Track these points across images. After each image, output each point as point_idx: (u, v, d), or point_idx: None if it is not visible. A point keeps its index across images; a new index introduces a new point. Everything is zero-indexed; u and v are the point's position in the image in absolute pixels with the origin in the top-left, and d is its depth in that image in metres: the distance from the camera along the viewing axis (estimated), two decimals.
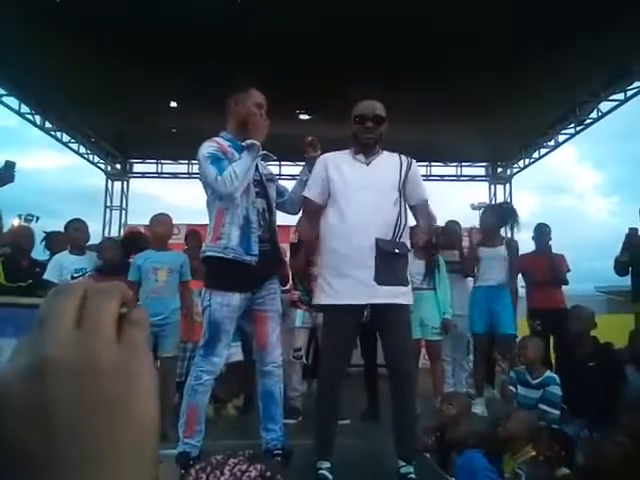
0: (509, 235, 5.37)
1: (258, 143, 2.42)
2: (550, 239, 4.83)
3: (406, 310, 2.48)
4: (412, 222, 2.59)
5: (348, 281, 2.36)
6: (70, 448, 0.27)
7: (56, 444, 0.27)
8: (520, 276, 4.78)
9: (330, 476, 2.37)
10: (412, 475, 2.35)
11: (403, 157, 2.56)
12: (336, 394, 2.46)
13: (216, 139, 2.56)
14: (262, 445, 2.58)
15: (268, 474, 0.87)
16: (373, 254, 2.35)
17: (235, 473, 0.84)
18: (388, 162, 2.53)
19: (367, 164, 2.51)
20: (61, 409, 0.27)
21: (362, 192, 2.41)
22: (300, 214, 2.69)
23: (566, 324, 3.48)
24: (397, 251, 2.40)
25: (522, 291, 4.97)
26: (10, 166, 3.04)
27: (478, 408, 4.12)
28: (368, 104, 2.52)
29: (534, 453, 2.46)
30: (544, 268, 4.63)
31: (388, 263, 2.37)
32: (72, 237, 3.74)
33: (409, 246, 2.53)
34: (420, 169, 3.03)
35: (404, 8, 4.59)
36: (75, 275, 3.60)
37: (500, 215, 4.59)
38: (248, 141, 2.43)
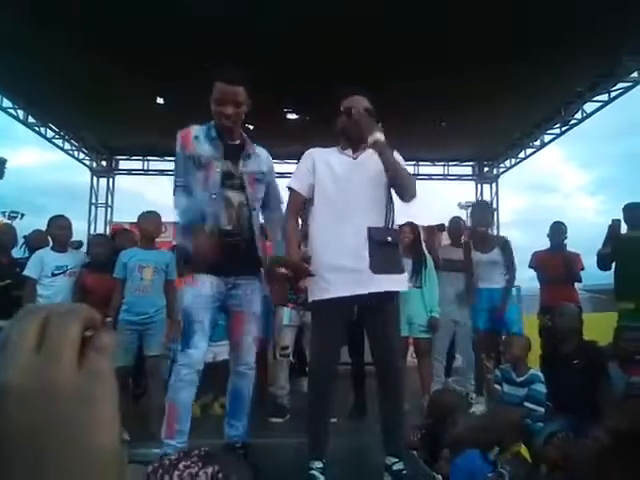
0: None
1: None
2: (565, 237, 4.87)
3: (396, 301, 2.46)
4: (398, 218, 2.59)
5: (344, 273, 2.33)
6: (30, 476, 0.26)
7: (15, 471, 0.26)
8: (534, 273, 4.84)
9: (322, 477, 2.34)
10: (404, 471, 2.36)
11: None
12: (328, 392, 2.43)
13: (189, 128, 2.52)
14: (225, 439, 2.59)
15: (220, 475, 0.85)
16: (366, 244, 2.34)
17: (184, 478, 0.82)
18: (374, 154, 2.48)
19: (354, 158, 2.51)
20: (19, 435, 0.27)
21: (351, 185, 2.41)
22: (286, 207, 2.62)
23: (552, 322, 3.52)
24: (389, 239, 2.40)
25: (536, 288, 5.02)
26: (1, 162, 2.98)
27: (479, 407, 4.14)
28: (356, 99, 2.51)
29: (517, 449, 2.47)
30: (558, 266, 4.67)
31: (382, 252, 2.36)
32: (54, 234, 3.68)
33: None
34: (408, 168, 3.05)
35: (388, 8, 4.61)
36: (56, 272, 3.54)
37: (490, 213, 4.63)
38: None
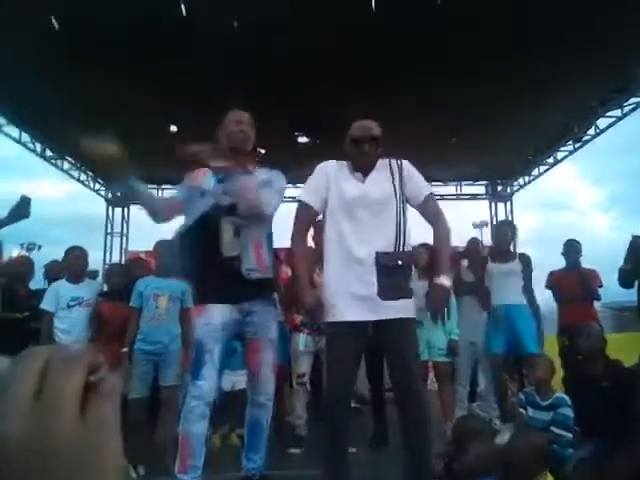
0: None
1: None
2: (581, 255, 4.78)
3: (411, 324, 2.35)
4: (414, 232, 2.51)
5: (350, 298, 2.27)
6: None
7: None
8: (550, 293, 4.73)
9: None
10: None
11: (393, 162, 2.48)
12: (343, 420, 2.30)
13: (200, 169, 2.57)
14: (243, 472, 2.53)
15: None
16: (374, 269, 2.28)
17: None
18: (382, 173, 2.45)
19: (363, 181, 2.44)
20: None
21: (359, 210, 2.35)
22: (295, 220, 2.47)
23: (576, 343, 3.41)
24: (400, 262, 2.32)
25: (554, 307, 4.90)
26: (26, 202, 3.02)
27: (506, 434, 3.98)
28: (363, 125, 2.45)
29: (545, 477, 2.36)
30: (575, 284, 4.57)
31: (390, 277, 2.29)
32: (70, 265, 3.70)
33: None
34: None
35: (396, 21, 4.65)
36: (71, 303, 3.54)
37: (513, 229, 4.55)
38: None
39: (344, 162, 2.52)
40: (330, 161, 2.52)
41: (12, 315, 3.48)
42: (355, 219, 2.34)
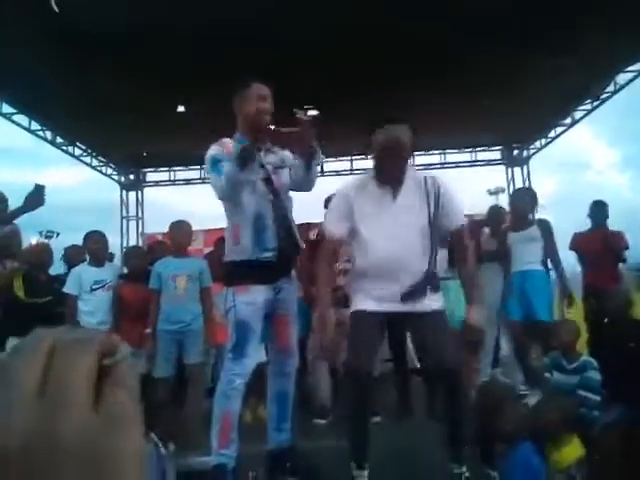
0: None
1: (248, 148, 2.29)
2: (607, 216, 4.66)
3: (442, 314, 2.43)
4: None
5: (385, 290, 2.32)
6: None
7: None
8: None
9: None
10: (467, 474, 2.29)
11: (429, 179, 2.37)
12: (366, 388, 2.35)
13: (224, 140, 2.51)
14: (272, 444, 2.58)
15: None
16: (411, 288, 2.32)
17: None
18: (414, 191, 2.35)
19: (394, 197, 2.34)
20: None
21: (391, 235, 2.29)
22: (321, 250, 2.52)
23: (601, 305, 3.36)
24: (429, 287, 2.36)
25: (574, 271, 4.83)
26: (40, 190, 3.02)
27: (533, 399, 3.97)
28: (393, 133, 2.27)
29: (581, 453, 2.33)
30: (600, 246, 4.48)
31: (414, 295, 2.34)
32: (90, 249, 3.73)
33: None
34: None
35: None
36: (94, 287, 3.58)
37: (532, 197, 4.44)
38: (234, 150, 2.33)
39: (367, 176, 2.44)
40: (352, 182, 2.49)
41: (34, 300, 3.53)
42: (385, 246, 2.29)
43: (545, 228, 4.24)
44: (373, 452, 2.38)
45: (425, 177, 2.38)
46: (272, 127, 2.32)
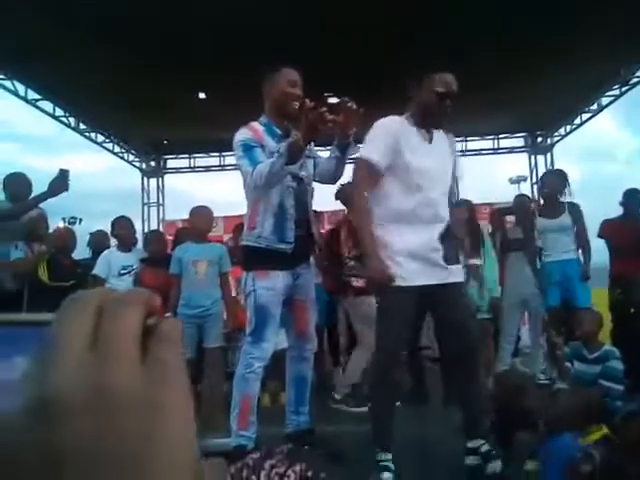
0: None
1: (297, 143, 2.23)
2: None
3: (464, 286, 2.58)
4: None
5: (419, 263, 2.34)
6: None
7: None
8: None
9: (392, 467, 2.29)
10: (493, 451, 2.31)
11: (453, 139, 2.61)
12: (395, 377, 2.40)
13: (252, 124, 2.52)
14: (291, 428, 2.62)
15: (309, 474, 0.79)
16: (440, 237, 2.37)
17: (272, 478, 0.77)
18: (444, 143, 2.52)
19: (429, 141, 2.45)
20: (73, 459, 0.21)
21: (426, 174, 2.37)
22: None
23: (628, 295, 3.30)
24: (453, 232, 2.51)
25: (600, 260, 4.73)
26: (64, 175, 3.06)
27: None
28: (451, 80, 2.40)
29: (606, 431, 2.31)
30: (631, 235, 4.39)
31: (451, 243, 2.42)
32: (118, 234, 3.81)
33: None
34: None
35: None
36: (122, 272, 3.66)
37: (563, 178, 4.34)
38: (283, 145, 2.28)
39: (403, 118, 2.46)
40: (393, 118, 2.46)
41: (59, 284, 3.62)
42: (422, 183, 2.35)
43: (576, 213, 4.18)
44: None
45: (448, 134, 2.57)
46: (316, 107, 2.21)
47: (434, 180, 2.38)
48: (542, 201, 4.36)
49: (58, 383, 0.22)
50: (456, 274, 2.42)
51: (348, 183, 3.40)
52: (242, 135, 2.46)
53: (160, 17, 4.88)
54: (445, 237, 2.37)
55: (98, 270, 3.64)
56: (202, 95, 6.74)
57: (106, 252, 3.80)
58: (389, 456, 2.31)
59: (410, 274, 2.30)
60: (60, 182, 3.03)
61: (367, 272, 2.46)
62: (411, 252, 2.33)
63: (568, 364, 3.25)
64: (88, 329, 0.24)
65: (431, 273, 2.33)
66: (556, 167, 9.51)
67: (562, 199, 4.26)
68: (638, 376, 2.97)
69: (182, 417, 0.24)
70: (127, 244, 3.78)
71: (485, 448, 2.32)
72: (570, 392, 2.58)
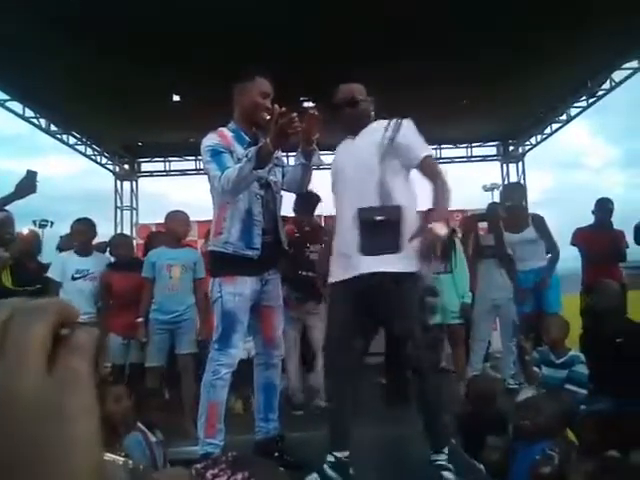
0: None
1: (267, 147, 2.24)
2: (611, 215, 4.71)
3: (400, 278, 2.22)
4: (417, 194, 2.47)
5: (341, 258, 2.38)
6: None
7: None
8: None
9: (333, 473, 2.23)
10: (443, 463, 2.27)
11: (392, 121, 2.40)
12: (345, 377, 2.33)
13: (221, 130, 2.51)
14: (260, 435, 2.60)
15: None
16: (357, 225, 2.30)
17: None
18: (374, 130, 2.43)
19: (353, 139, 2.50)
20: None
21: (346, 168, 2.44)
22: None
23: (590, 300, 3.39)
24: (382, 218, 2.27)
25: (572, 267, 4.85)
26: (31, 176, 2.98)
27: (529, 393, 3.97)
28: (342, 89, 2.50)
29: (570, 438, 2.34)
30: (603, 243, 4.51)
31: (373, 232, 2.27)
32: (76, 237, 3.72)
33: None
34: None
35: None
36: (76, 276, 3.56)
37: (523, 192, 4.44)
38: (252, 149, 2.29)
39: None
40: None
41: (24, 289, 3.53)
42: (342, 179, 2.44)
43: (540, 226, 4.23)
44: (356, 441, 2.35)
45: (390, 119, 2.43)
46: (286, 113, 2.21)
47: (347, 175, 2.42)
48: (507, 218, 4.39)
49: None
50: (381, 264, 2.22)
51: (307, 193, 3.50)
52: (210, 140, 2.45)
53: (136, 17, 4.82)
54: (365, 224, 2.28)
55: (52, 273, 3.55)
56: (176, 97, 6.69)
57: (61, 254, 3.72)
58: (332, 459, 2.25)
59: (335, 270, 2.40)
60: (27, 183, 2.94)
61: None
62: (336, 250, 2.42)
63: (536, 369, 3.32)
64: None
65: (347, 266, 2.31)
66: (528, 175, 9.77)
67: (525, 213, 4.33)
68: (600, 380, 3.06)
69: (86, 424, 0.24)
70: (84, 248, 3.67)
71: (434, 458, 2.29)
72: (543, 399, 2.60)
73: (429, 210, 2.48)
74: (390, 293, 2.23)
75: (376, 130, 2.44)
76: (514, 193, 4.48)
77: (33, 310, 0.26)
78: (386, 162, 2.33)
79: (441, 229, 2.15)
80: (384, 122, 2.44)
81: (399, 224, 2.28)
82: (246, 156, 2.28)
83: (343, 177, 2.44)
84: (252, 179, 2.35)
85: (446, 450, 2.32)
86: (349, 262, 2.31)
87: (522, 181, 9.69)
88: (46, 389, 0.24)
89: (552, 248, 4.22)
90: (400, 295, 2.24)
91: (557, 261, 4.24)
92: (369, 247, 2.26)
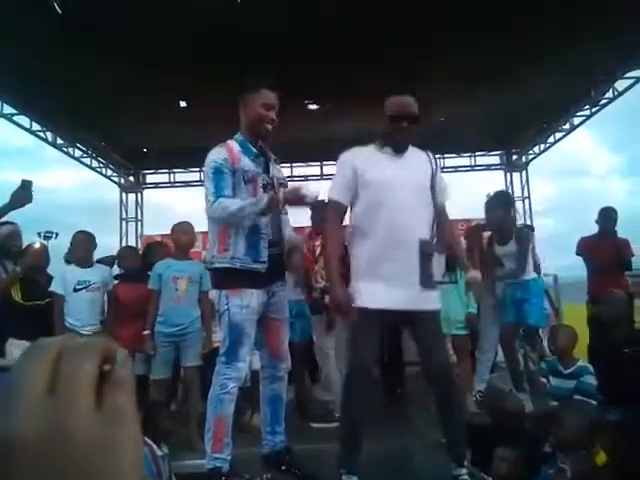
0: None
1: (276, 202, 2.35)
2: (615, 224, 4.68)
3: (439, 314, 2.46)
4: None
5: (389, 284, 2.27)
6: None
7: None
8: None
9: None
10: (465, 477, 2.28)
11: (430, 154, 2.49)
12: (365, 399, 2.34)
13: (228, 143, 2.51)
14: (267, 448, 2.59)
15: None
16: (417, 256, 2.27)
17: None
18: (418, 158, 2.44)
19: (398, 159, 2.40)
20: None
21: (400, 191, 2.31)
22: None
23: (598, 309, 3.37)
24: (435, 253, 2.36)
25: (578, 276, 4.82)
26: (27, 186, 2.96)
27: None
28: (403, 102, 2.38)
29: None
30: (608, 252, 4.49)
31: (428, 265, 2.31)
32: (76, 249, 3.71)
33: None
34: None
35: None
36: (77, 287, 3.55)
37: (505, 203, 4.31)
38: (265, 197, 2.35)
39: (370, 146, 2.47)
40: (352, 150, 2.48)
41: (35, 303, 3.52)
42: (395, 201, 2.29)
43: (520, 239, 4.06)
44: (364, 456, 2.35)
45: (427, 152, 2.50)
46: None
47: (403, 198, 2.31)
48: (492, 232, 4.31)
49: (18, 423, 0.24)
50: (433, 300, 2.36)
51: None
52: (216, 156, 2.44)
53: (138, 23, 4.83)
54: (425, 258, 2.30)
55: (54, 286, 3.53)
56: (183, 104, 6.71)
57: (63, 267, 3.71)
58: (353, 479, 2.27)
59: (379, 296, 2.28)
60: (23, 193, 2.93)
61: (330, 302, 2.59)
62: (379, 274, 2.31)
63: (544, 379, 3.29)
64: (47, 374, 0.25)
65: (404, 297, 2.28)
66: (531, 184, 9.74)
67: (510, 223, 4.17)
68: (610, 391, 3.02)
69: (133, 455, 0.26)
70: (84, 259, 3.64)
71: (456, 472, 2.30)
72: (576, 410, 2.52)
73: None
74: (431, 328, 2.38)
75: (419, 158, 2.42)
76: (496, 208, 4.28)
77: (81, 349, 0.27)
78: (434, 193, 2.37)
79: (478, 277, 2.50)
80: (419, 151, 2.47)
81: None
82: (257, 199, 2.34)
83: (397, 199, 2.30)
84: (250, 220, 2.38)
85: (466, 464, 2.32)
86: (406, 292, 2.28)
87: (526, 189, 9.69)
88: (95, 425, 0.25)
89: (522, 263, 4.00)
90: (436, 330, 2.42)
91: (513, 277, 4.05)
92: (428, 281, 2.30)
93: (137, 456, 0.26)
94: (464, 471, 2.29)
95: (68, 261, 4.13)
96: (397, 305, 2.27)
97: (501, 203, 4.26)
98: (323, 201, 2.52)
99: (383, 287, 2.27)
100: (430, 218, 2.37)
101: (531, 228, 4.91)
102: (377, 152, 2.42)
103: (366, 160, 2.39)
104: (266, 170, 2.54)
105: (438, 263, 2.40)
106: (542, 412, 3.05)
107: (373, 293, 2.28)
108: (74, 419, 0.24)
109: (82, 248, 3.68)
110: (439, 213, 2.46)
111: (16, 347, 3.19)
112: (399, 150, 2.39)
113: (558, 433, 2.29)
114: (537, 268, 4.40)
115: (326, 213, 2.48)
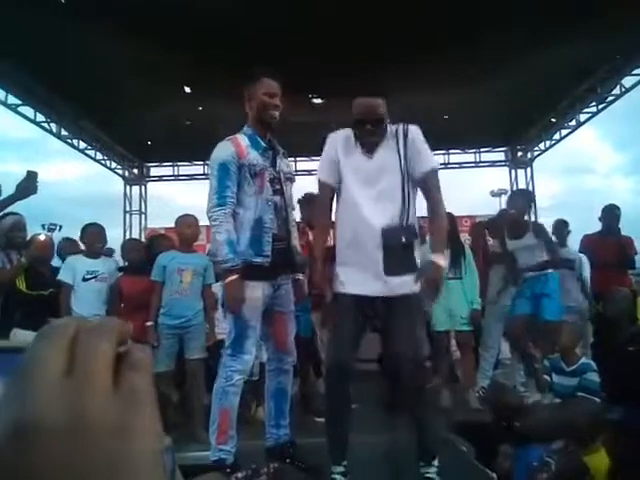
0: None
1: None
2: (619, 221, 4.68)
3: (417, 298, 2.33)
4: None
5: (357, 271, 2.30)
6: None
7: None
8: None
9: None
10: (431, 475, 2.25)
11: (400, 128, 2.38)
12: (346, 388, 2.31)
13: (237, 137, 2.50)
14: (271, 441, 2.58)
15: None
16: (380, 245, 2.27)
17: None
18: (389, 144, 2.39)
19: (371, 157, 2.38)
20: (47, 478, 0.22)
21: (367, 186, 2.33)
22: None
23: (603, 307, 3.36)
24: (404, 240, 2.30)
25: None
26: (32, 177, 2.95)
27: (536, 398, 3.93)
28: (367, 106, 2.35)
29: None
30: (611, 250, 4.47)
31: (396, 253, 2.28)
32: (87, 241, 3.76)
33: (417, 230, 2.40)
34: (437, 157, 2.98)
35: None
36: (87, 277, 3.59)
37: (527, 199, 4.39)
38: (226, 266, 2.38)
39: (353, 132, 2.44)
40: (339, 132, 2.46)
41: (39, 293, 3.55)
42: (361, 195, 2.33)
43: (540, 233, 4.13)
44: (353, 448, 2.33)
45: (398, 126, 2.39)
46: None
47: (369, 194, 2.32)
48: (509, 224, 4.33)
49: (35, 407, 0.23)
50: (404, 286, 2.27)
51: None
52: (223, 152, 2.44)
53: (144, 9, 4.81)
54: (389, 246, 2.27)
55: (63, 276, 3.56)
56: (187, 89, 6.66)
57: (71, 258, 3.75)
58: (340, 469, 2.27)
59: (347, 283, 2.31)
60: (28, 184, 2.93)
61: (308, 284, 2.60)
62: (349, 260, 2.33)
63: (546, 377, 3.29)
64: (64, 357, 0.25)
65: (370, 284, 2.28)
66: (536, 180, 9.73)
67: (527, 219, 4.25)
68: (613, 388, 3.02)
69: (150, 439, 0.25)
70: (94, 250, 3.72)
71: (423, 470, 2.27)
72: (578, 405, 2.52)
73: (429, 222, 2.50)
74: (404, 312, 2.28)
75: (389, 141, 2.39)
76: (518, 199, 4.40)
77: (98, 329, 0.26)
78: (407, 176, 2.34)
79: (443, 262, 2.29)
80: (391, 129, 2.40)
81: (413, 244, 2.35)
82: (230, 258, 2.36)
83: (363, 194, 2.32)
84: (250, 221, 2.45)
85: (436, 462, 2.28)
86: (368, 279, 2.28)
87: (530, 185, 9.66)
88: (113, 408, 0.24)
89: (552, 253, 4.11)
90: (411, 314, 2.30)
91: (556, 264, 4.12)
92: (393, 269, 2.27)
93: (157, 440, 0.25)
94: (432, 470, 2.26)
95: (60, 254, 4.16)
96: (367, 291, 2.28)
97: (524, 194, 4.38)
98: (312, 194, 2.53)
99: (354, 273, 2.30)
100: (397, 207, 2.31)
101: (566, 223, 4.88)
102: (354, 141, 2.41)
103: (344, 150, 2.41)
104: (274, 164, 2.53)
105: (418, 247, 2.39)
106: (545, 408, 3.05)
107: (346, 279, 2.32)
108: (91, 401, 0.24)
109: (94, 240, 3.73)
110: (419, 183, 2.38)
111: (21, 337, 3.22)
112: (369, 149, 2.39)
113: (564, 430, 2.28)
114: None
115: (317, 192, 2.51)
